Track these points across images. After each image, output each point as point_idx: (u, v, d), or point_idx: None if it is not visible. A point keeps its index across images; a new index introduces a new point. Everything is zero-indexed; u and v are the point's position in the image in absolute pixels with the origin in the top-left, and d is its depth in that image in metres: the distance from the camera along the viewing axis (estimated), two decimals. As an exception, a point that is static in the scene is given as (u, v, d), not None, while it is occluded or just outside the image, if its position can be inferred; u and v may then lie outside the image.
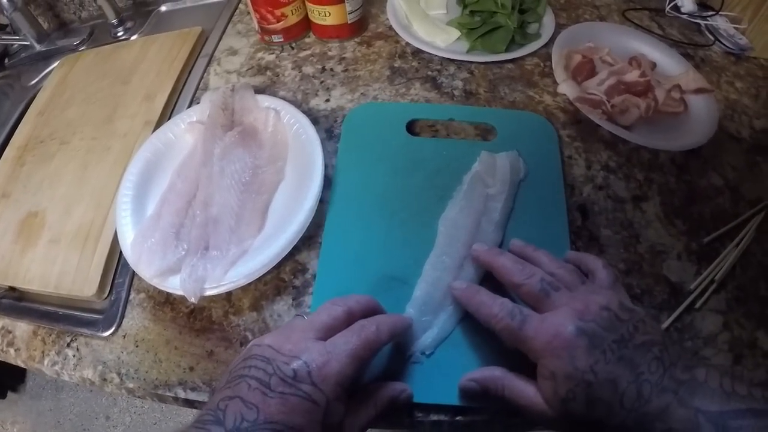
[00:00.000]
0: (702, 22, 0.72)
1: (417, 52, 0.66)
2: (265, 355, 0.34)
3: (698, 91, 0.61)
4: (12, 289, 0.55)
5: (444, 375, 0.42)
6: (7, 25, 0.83)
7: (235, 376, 0.33)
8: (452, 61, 0.64)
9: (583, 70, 0.62)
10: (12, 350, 0.52)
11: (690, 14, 0.73)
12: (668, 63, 0.66)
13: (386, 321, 0.38)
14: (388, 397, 0.38)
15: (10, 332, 0.53)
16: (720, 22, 0.71)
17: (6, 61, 0.84)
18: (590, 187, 0.54)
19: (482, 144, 0.56)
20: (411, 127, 0.57)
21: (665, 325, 0.45)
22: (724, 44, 0.70)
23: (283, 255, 0.48)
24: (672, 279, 0.48)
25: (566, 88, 0.60)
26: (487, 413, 0.42)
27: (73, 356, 0.50)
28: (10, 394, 1.51)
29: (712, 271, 0.48)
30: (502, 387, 0.37)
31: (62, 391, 1.51)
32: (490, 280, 0.44)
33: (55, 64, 0.76)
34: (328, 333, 0.36)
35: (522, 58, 0.66)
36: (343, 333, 0.36)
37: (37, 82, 0.78)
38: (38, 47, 0.82)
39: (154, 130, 0.58)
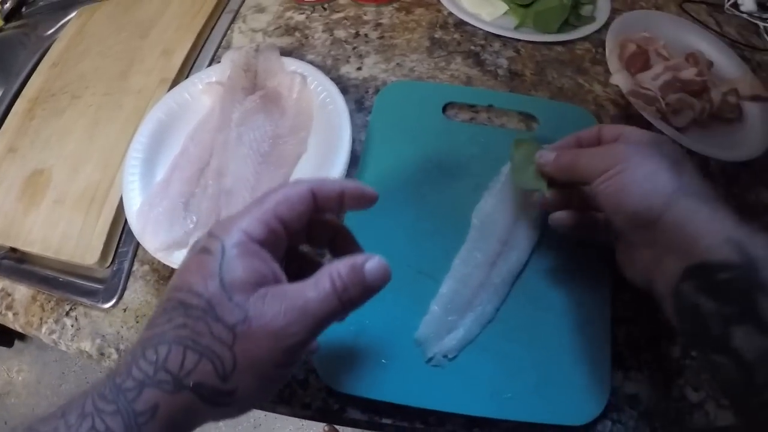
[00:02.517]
0: (761, 24, 0.66)
1: (460, 24, 0.60)
2: None
3: (754, 98, 0.56)
4: (13, 250, 0.52)
5: (466, 382, 0.39)
6: (25, -28, 0.79)
7: None
8: (498, 36, 0.59)
9: (637, 62, 0.57)
10: (10, 314, 0.50)
11: (749, 14, 0.67)
12: (725, 64, 0.60)
13: (315, 178, 0.30)
14: (349, 266, 0.26)
15: (9, 295, 0.51)
16: (781, 26, 0.66)
17: (23, 9, 0.80)
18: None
19: (523, 134, 0.52)
20: (447, 109, 0.53)
21: None
22: (784, 50, 0.64)
23: (302, 236, 0.44)
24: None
25: (620, 80, 0.55)
26: (506, 427, 0.39)
27: (72, 326, 0.47)
28: (17, 343, 1.52)
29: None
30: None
31: (69, 343, 1.53)
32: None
33: (73, 14, 0.72)
34: None
35: (573, 41, 0.60)
36: None
37: (53, 33, 0.74)
38: (57, -5, 0.78)
39: (170, 89, 0.54)
